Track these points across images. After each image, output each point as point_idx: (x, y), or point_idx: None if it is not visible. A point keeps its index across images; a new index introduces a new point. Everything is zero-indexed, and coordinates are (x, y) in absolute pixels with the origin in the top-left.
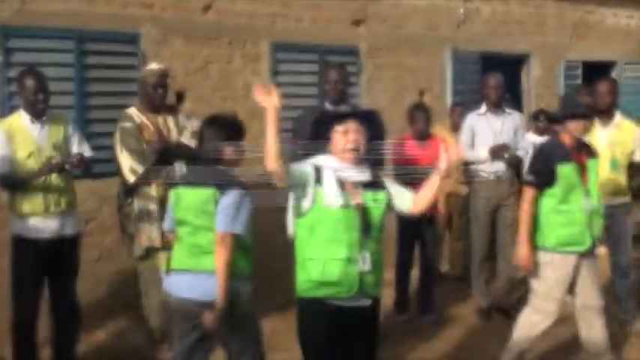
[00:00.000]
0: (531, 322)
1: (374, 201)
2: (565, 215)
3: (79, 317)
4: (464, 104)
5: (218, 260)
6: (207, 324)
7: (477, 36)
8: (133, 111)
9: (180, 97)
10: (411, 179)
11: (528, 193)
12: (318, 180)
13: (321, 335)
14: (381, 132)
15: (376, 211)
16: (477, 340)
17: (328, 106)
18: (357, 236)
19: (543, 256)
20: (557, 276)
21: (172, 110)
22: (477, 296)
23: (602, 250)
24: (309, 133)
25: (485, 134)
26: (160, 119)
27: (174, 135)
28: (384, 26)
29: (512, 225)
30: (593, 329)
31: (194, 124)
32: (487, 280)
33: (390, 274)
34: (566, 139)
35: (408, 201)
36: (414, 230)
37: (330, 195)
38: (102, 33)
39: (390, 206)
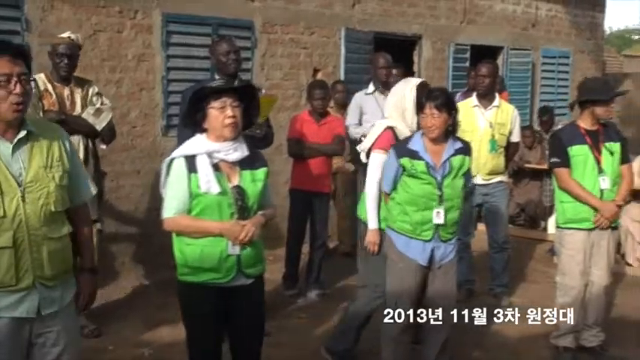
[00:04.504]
0: (557, 297)
1: (252, 181)
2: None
3: None
4: (344, 82)
5: None
6: None
7: (371, 16)
8: (40, 77)
9: None
10: (306, 155)
11: (562, 173)
12: (193, 169)
13: (203, 318)
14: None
15: (254, 191)
16: None
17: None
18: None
19: (557, 233)
20: (567, 252)
21: (84, 83)
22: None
23: (479, 227)
24: (186, 109)
25: (374, 113)
26: (67, 90)
27: (77, 108)
28: (280, 2)
29: None
30: (594, 304)
31: (103, 100)
32: None
33: (282, 250)
34: (583, 123)
35: None
36: (305, 205)
37: (205, 182)
38: None
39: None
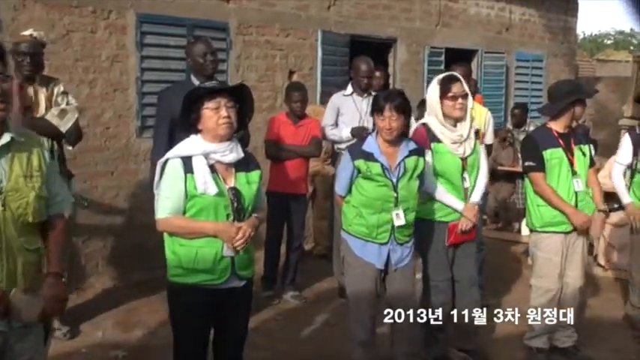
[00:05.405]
0: (532, 299)
1: (247, 183)
2: None
3: None
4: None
5: None
6: None
7: (347, 18)
8: None
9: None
10: (283, 156)
11: (537, 177)
12: (189, 169)
13: (193, 321)
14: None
15: (249, 193)
16: (336, 316)
17: (195, 81)
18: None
19: (533, 237)
20: (544, 255)
21: (49, 82)
22: (337, 274)
23: None
24: (180, 110)
25: (352, 115)
26: (31, 90)
27: (41, 109)
28: (255, 3)
29: None
30: (568, 305)
31: (69, 100)
32: None
33: (260, 251)
34: (556, 126)
35: None
36: (282, 207)
37: (202, 183)
38: None
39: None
